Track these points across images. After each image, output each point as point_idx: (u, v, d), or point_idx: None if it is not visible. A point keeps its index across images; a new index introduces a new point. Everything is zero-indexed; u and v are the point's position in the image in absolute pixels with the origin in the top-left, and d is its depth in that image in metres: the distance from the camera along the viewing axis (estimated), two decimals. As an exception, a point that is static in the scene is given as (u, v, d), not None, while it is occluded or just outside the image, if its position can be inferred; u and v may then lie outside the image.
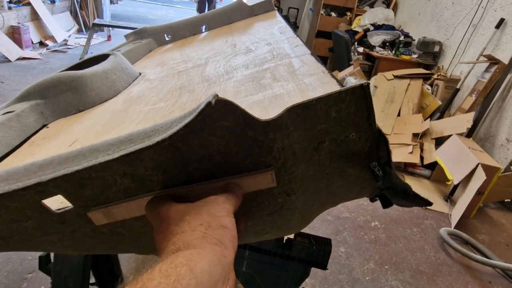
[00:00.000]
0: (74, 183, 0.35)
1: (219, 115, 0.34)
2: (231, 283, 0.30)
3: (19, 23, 4.40)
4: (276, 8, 1.36)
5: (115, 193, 0.38)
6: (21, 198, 0.35)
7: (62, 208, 0.39)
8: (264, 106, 0.54)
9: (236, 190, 0.38)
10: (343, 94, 0.37)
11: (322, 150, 0.42)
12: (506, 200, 2.53)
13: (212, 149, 0.37)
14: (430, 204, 0.47)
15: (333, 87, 0.54)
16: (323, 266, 0.85)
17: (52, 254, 1.00)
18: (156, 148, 0.33)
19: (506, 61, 2.79)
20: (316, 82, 0.58)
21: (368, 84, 0.37)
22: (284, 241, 0.84)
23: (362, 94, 0.38)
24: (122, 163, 0.35)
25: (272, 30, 1.08)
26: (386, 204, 0.52)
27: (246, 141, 0.37)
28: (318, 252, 0.82)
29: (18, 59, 4.12)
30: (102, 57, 0.90)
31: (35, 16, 4.83)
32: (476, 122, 2.90)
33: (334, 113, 0.38)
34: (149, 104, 0.70)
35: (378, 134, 0.42)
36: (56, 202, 0.39)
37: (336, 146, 0.42)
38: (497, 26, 2.97)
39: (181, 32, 1.32)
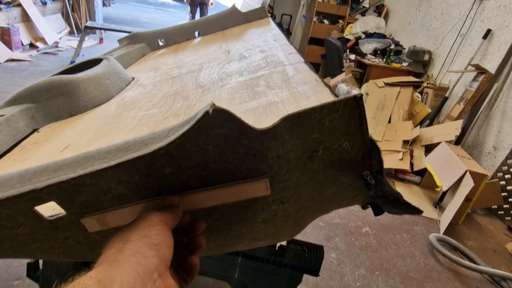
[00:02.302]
0: (69, 190, 0.35)
1: (216, 123, 0.35)
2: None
3: (9, 24, 4.33)
4: (269, 15, 1.37)
5: (109, 200, 0.38)
6: (13, 205, 0.35)
7: (55, 215, 0.39)
8: (258, 113, 0.54)
9: (173, 201, 0.38)
10: (337, 104, 0.38)
11: (316, 158, 0.42)
12: (493, 207, 2.58)
13: (208, 156, 0.37)
14: (421, 212, 0.48)
15: (327, 96, 0.54)
16: (315, 273, 0.85)
17: (40, 261, 0.98)
18: (152, 156, 0.33)
19: (493, 70, 2.86)
20: (309, 90, 0.58)
21: (362, 95, 0.38)
22: (277, 248, 0.84)
23: (355, 105, 0.38)
24: (118, 170, 0.34)
25: (266, 37, 1.08)
26: (377, 212, 0.53)
27: (241, 149, 0.38)
28: (311, 259, 0.83)
29: (7, 60, 4.06)
30: (95, 62, 0.90)
31: (25, 18, 4.77)
32: (464, 130, 2.96)
33: (327, 123, 0.39)
34: (142, 109, 0.70)
35: (370, 144, 0.42)
36: (49, 209, 0.39)
37: (330, 155, 0.42)
38: (484, 37, 3.05)
39: (174, 37, 1.32)
